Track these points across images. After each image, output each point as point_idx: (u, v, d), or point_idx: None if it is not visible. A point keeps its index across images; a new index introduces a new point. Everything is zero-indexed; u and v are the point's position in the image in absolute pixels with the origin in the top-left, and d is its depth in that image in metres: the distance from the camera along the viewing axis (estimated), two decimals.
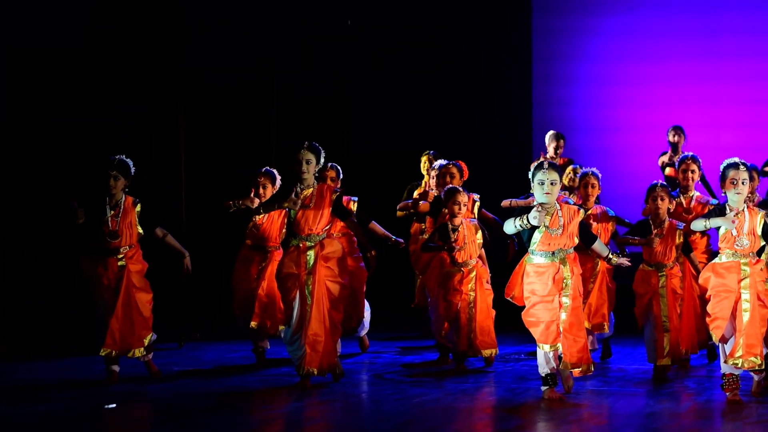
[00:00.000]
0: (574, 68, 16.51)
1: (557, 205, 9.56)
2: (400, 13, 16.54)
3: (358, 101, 16.47)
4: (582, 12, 16.48)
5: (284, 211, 10.63)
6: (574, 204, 10.94)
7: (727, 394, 9.60)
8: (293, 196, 10.19)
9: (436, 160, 12.76)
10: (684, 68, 16.19)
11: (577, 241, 9.61)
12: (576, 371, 9.65)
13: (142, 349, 10.76)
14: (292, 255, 10.31)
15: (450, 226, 11.26)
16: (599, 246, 9.83)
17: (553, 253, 9.56)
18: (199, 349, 12.78)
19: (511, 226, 9.49)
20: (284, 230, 11.02)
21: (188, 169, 13.99)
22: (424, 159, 13.30)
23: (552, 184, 9.43)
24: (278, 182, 11.72)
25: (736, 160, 9.59)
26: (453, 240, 11.22)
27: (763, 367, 9.59)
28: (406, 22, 16.50)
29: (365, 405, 9.79)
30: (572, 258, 9.63)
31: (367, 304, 12.26)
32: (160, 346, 12.45)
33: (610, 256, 9.82)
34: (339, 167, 12.09)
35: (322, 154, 10.35)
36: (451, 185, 11.48)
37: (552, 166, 9.47)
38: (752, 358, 9.47)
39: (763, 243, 9.64)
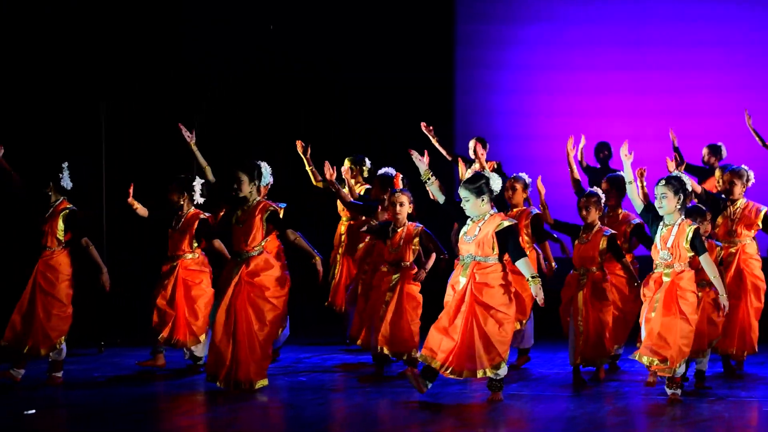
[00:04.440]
0: (497, 76, 16.63)
1: (486, 216, 9.74)
2: (320, 11, 16.51)
3: (274, 100, 16.42)
4: (505, 21, 16.59)
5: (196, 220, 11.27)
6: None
7: (668, 392, 9.82)
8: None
9: (360, 165, 12.79)
10: (607, 79, 16.35)
11: (492, 251, 9.71)
12: (446, 373, 9.69)
13: (52, 347, 10.79)
14: (228, 268, 10.52)
15: (392, 225, 11.33)
16: (522, 265, 9.78)
17: (463, 258, 9.77)
18: (119, 355, 12.68)
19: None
20: (193, 239, 11.20)
21: (109, 173, 13.91)
22: (347, 164, 13.16)
23: (466, 200, 9.75)
24: (196, 187, 11.61)
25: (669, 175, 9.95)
26: (389, 238, 11.30)
27: (670, 374, 9.80)
28: (326, 21, 16.48)
29: (286, 411, 9.77)
30: (477, 264, 9.74)
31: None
32: (80, 351, 12.38)
33: (529, 279, 9.77)
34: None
35: (257, 171, 10.51)
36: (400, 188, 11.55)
37: (464, 183, 9.79)
38: (651, 357, 9.74)
39: (691, 254, 9.80)
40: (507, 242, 9.70)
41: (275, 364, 11.74)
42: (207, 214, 11.59)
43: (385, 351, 11.27)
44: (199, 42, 15.97)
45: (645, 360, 9.80)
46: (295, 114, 16.29)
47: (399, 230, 11.34)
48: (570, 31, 16.49)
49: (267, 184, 10.97)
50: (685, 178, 9.93)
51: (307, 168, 12.74)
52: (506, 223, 9.74)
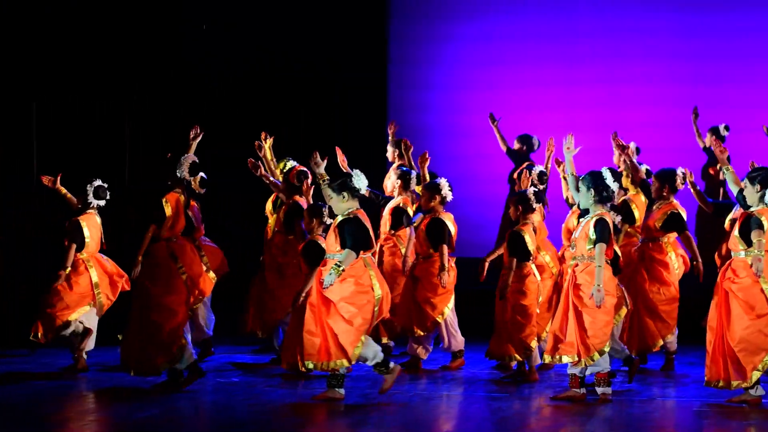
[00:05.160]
0: (430, 73, 16.66)
1: (341, 216, 9.87)
2: (251, 13, 16.50)
3: (208, 105, 16.38)
4: (438, 18, 16.64)
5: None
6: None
7: (599, 391, 9.92)
8: None
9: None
10: (540, 72, 16.41)
11: (337, 247, 9.77)
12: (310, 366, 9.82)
13: None
14: None
15: None
16: (343, 254, 9.75)
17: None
18: (50, 355, 12.55)
19: None
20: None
21: (40, 173, 13.86)
22: (281, 167, 13.08)
23: (329, 198, 9.93)
24: (88, 189, 11.58)
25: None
26: None
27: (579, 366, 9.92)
28: (256, 23, 16.46)
29: (219, 412, 9.71)
30: (325, 261, 9.89)
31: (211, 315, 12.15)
32: (11, 351, 12.26)
33: (333, 266, 9.75)
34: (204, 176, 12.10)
35: (174, 161, 10.64)
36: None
37: (327, 182, 9.93)
38: (547, 355, 10.01)
39: (590, 246, 9.87)
40: (342, 235, 9.77)
41: (205, 365, 11.66)
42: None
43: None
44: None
45: (547, 359, 10.00)
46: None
47: None
48: (502, 26, 16.54)
49: (182, 177, 10.81)
50: (606, 173, 10.00)
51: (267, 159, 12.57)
52: (343, 217, 9.82)
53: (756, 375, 9.61)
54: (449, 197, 11.65)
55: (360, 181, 9.85)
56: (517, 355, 11.09)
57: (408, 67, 16.65)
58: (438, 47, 16.61)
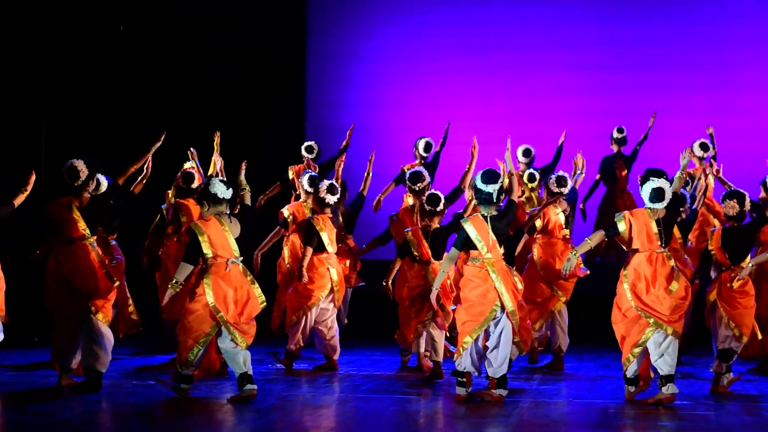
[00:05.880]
0: (348, 70, 16.69)
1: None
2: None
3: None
4: (356, 15, 16.68)
5: None
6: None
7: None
8: None
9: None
10: (456, 62, 16.47)
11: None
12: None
13: None
14: None
15: None
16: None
17: None
18: None
19: None
20: None
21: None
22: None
23: None
24: None
25: None
26: None
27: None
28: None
29: (135, 413, 9.64)
30: None
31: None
32: None
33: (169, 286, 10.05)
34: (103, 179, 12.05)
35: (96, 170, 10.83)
36: None
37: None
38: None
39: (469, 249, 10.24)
40: None
41: (123, 368, 11.60)
42: None
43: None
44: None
45: None
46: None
47: None
48: (421, 33, 16.60)
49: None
50: (477, 177, 10.15)
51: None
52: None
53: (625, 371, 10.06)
54: (328, 200, 11.87)
55: (216, 188, 9.95)
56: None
57: (325, 85, 16.73)
58: (355, 64, 16.69)
